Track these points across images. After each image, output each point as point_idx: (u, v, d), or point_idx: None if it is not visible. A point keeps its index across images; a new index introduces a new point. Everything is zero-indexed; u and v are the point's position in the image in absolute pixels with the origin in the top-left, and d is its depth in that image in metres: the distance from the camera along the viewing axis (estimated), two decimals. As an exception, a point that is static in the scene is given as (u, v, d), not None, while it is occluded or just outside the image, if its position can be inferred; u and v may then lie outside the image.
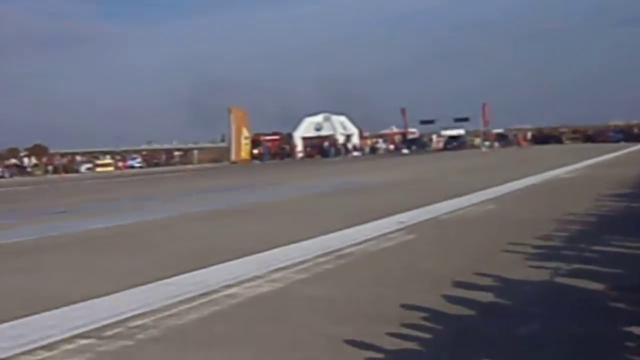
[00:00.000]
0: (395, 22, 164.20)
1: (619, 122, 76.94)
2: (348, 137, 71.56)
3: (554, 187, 17.36)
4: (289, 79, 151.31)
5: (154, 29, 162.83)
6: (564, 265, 6.60)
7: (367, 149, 74.08)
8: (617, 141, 61.13)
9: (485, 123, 72.69)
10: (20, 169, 55.52)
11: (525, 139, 73.47)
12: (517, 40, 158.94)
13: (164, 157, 69.12)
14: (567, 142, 68.63)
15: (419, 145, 74.97)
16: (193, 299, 5.93)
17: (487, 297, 5.45)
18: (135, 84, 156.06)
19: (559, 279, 6.07)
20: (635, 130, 68.79)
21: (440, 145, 74.81)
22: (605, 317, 4.78)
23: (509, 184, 17.59)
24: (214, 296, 6.03)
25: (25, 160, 58.52)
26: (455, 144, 71.70)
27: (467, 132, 74.73)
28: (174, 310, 5.53)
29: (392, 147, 75.88)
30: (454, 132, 73.76)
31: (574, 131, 73.37)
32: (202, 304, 5.77)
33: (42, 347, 4.63)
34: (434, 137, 79.87)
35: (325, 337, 4.60)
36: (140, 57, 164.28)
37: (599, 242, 7.86)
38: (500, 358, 4.06)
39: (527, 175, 20.30)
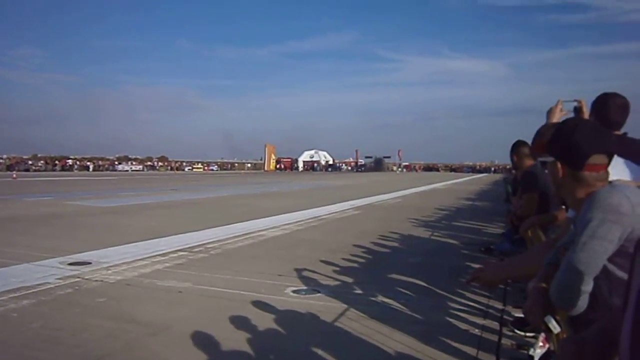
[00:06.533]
0: None
1: (469, 162, 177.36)
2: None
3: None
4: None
5: None
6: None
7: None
8: (468, 172, 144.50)
9: (399, 159, 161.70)
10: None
11: (419, 168, 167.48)
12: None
13: None
14: (442, 171, 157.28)
15: None
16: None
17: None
18: None
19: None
20: (478, 167, 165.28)
21: None
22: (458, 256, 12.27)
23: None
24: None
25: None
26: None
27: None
28: None
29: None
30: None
31: (446, 166, 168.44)
32: None
33: None
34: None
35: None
36: None
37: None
38: (401, 272, 10.34)
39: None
